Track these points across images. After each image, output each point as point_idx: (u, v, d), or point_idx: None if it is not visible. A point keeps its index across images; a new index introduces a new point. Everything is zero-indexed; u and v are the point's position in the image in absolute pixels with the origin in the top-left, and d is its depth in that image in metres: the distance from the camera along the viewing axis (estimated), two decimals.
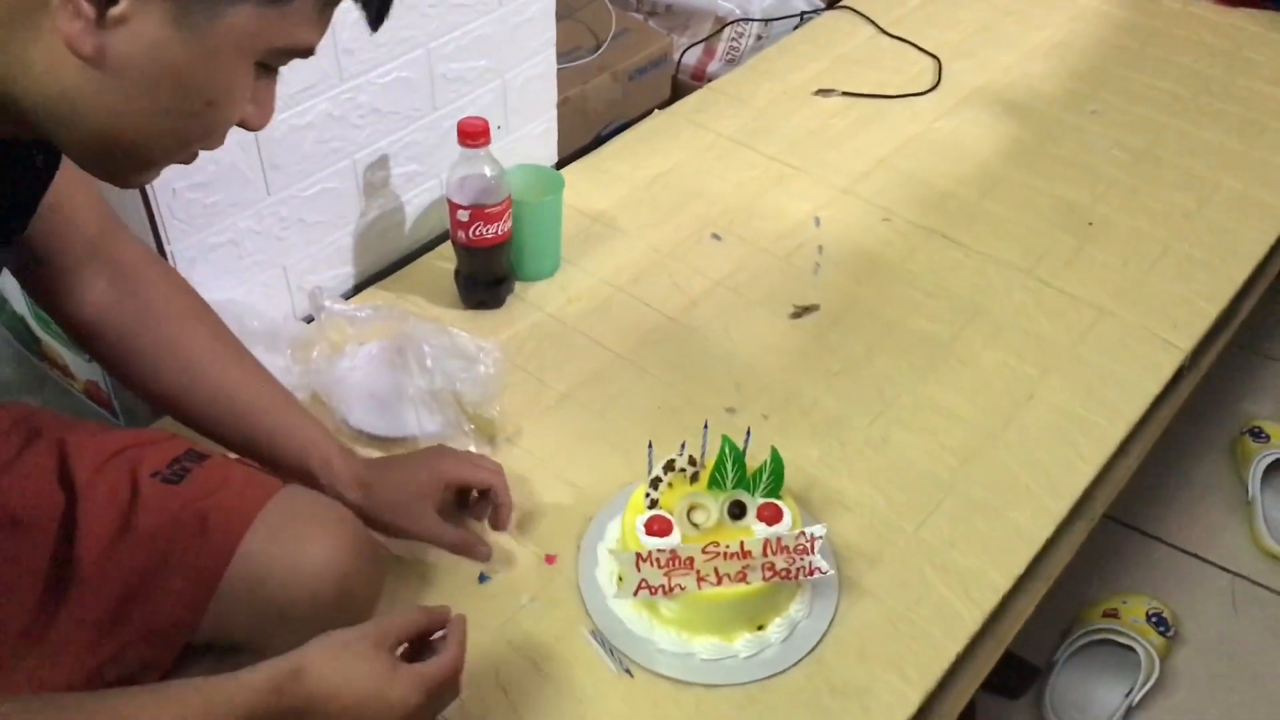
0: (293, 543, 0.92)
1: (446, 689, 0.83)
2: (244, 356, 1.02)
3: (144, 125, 0.69)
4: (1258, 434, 1.71)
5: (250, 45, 0.68)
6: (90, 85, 0.66)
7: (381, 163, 1.36)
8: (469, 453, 1.12)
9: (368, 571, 0.99)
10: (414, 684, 0.79)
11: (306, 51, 0.71)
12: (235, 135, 1.19)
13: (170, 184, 1.15)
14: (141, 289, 0.98)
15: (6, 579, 0.88)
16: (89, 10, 0.62)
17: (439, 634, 0.86)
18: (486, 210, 1.29)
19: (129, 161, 0.73)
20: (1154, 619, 1.46)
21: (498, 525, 1.08)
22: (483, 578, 1.09)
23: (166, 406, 1.01)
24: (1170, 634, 1.45)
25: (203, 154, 1.15)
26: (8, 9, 0.64)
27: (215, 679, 0.75)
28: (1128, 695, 1.38)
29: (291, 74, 1.19)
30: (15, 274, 0.96)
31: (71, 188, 0.91)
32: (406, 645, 0.85)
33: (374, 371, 1.21)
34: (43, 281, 0.96)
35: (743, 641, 1.04)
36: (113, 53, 0.64)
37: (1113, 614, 1.47)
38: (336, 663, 0.78)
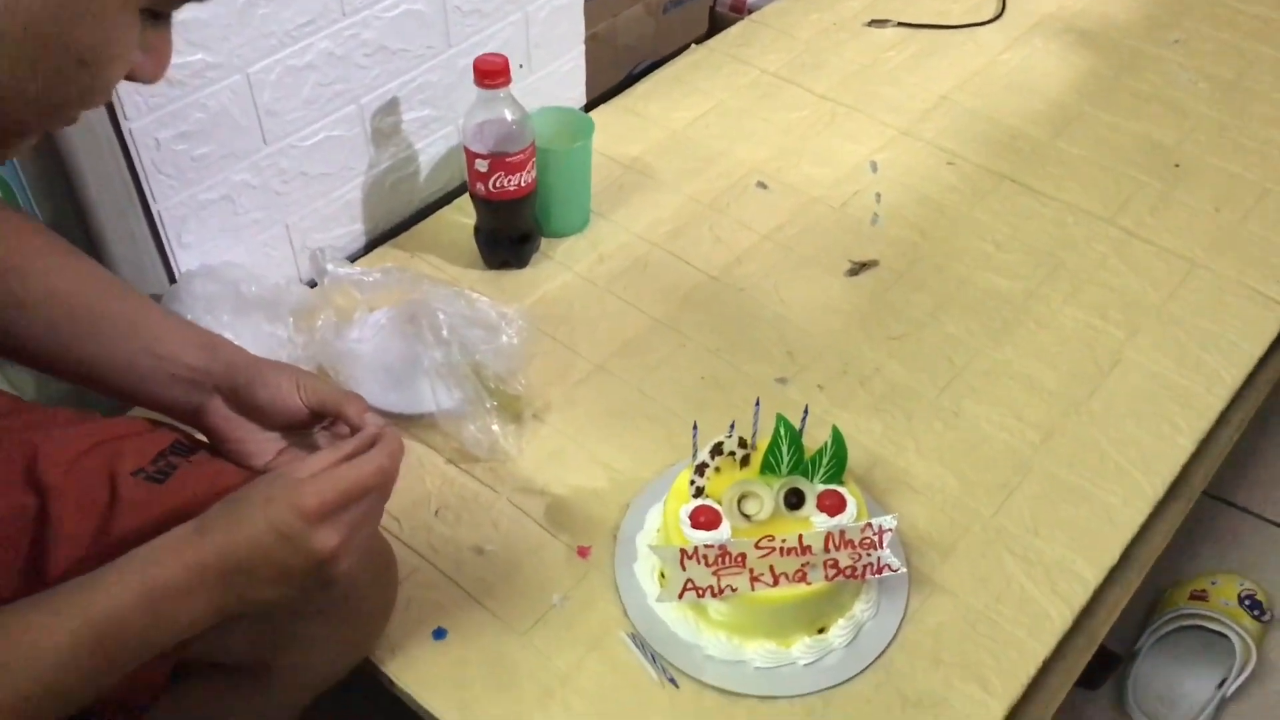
0: None
1: (358, 490, 0.72)
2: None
3: (2, 93, 0.57)
4: None
5: None
6: None
7: (391, 107, 1.23)
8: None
9: (381, 581, 0.89)
10: (311, 487, 0.70)
11: None
12: (227, 78, 1.10)
13: (152, 134, 1.03)
14: None
15: None
16: None
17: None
18: (508, 159, 1.16)
19: None
20: (1247, 601, 1.33)
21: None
22: (439, 633, 0.95)
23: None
24: (1266, 618, 1.33)
25: (189, 100, 1.06)
26: None
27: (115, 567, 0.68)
28: (1220, 686, 1.26)
29: (286, 8, 1.07)
30: None
31: None
32: None
33: (385, 342, 1.09)
34: None
35: (801, 646, 0.94)
36: None
37: (1201, 596, 1.34)
38: (231, 500, 0.71)
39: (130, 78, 0.62)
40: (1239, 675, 1.26)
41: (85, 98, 0.61)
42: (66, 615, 0.65)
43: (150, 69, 0.63)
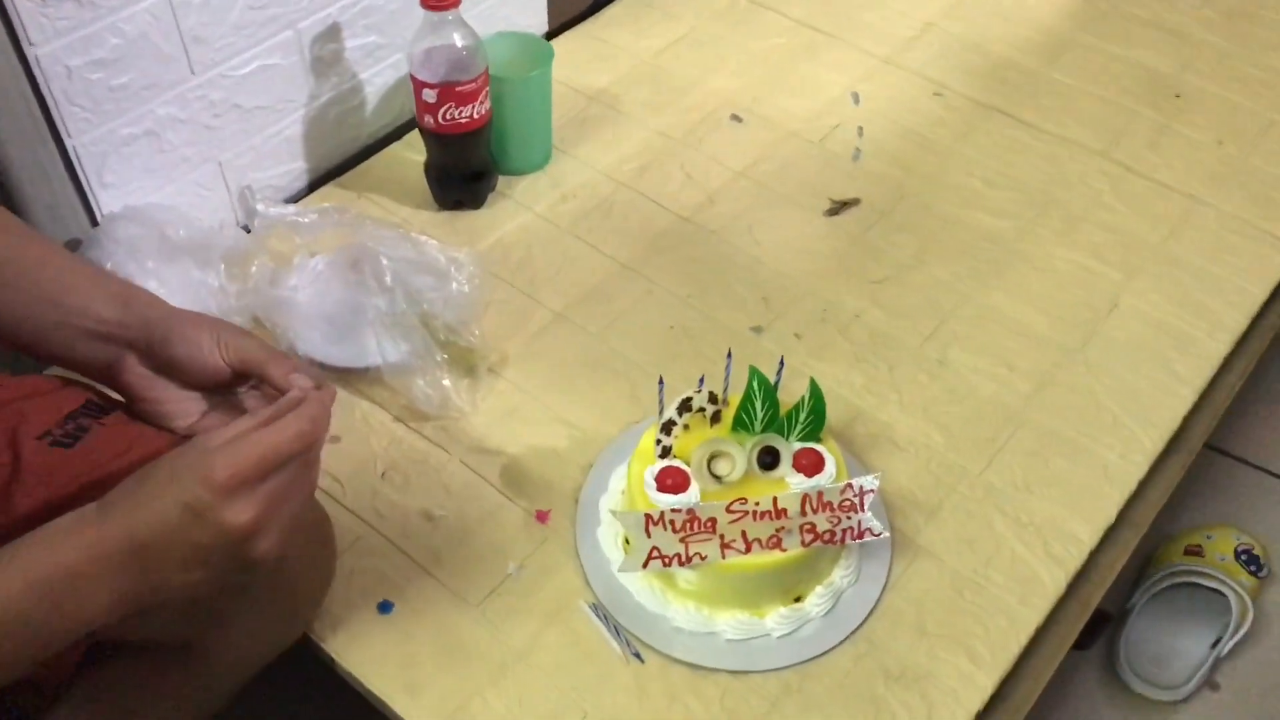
0: None
1: (275, 458, 0.64)
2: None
3: None
4: None
5: None
6: None
7: (332, 33, 1.14)
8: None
9: (316, 552, 0.83)
10: (222, 457, 0.62)
11: None
12: (145, 0, 1.01)
13: (61, 60, 0.94)
14: None
15: None
16: None
17: None
18: (459, 88, 1.08)
19: None
20: (1243, 556, 1.28)
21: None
22: (385, 606, 0.89)
23: None
24: (1263, 573, 1.28)
25: (104, 23, 0.97)
26: None
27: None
28: (1215, 646, 1.21)
29: None
30: None
31: None
32: None
33: (325, 290, 1.02)
34: None
35: (776, 617, 0.88)
36: None
37: (1196, 551, 1.28)
38: (137, 476, 0.64)
39: None
40: (1235, 634, 1.21)
41: None
42: None
43: None
